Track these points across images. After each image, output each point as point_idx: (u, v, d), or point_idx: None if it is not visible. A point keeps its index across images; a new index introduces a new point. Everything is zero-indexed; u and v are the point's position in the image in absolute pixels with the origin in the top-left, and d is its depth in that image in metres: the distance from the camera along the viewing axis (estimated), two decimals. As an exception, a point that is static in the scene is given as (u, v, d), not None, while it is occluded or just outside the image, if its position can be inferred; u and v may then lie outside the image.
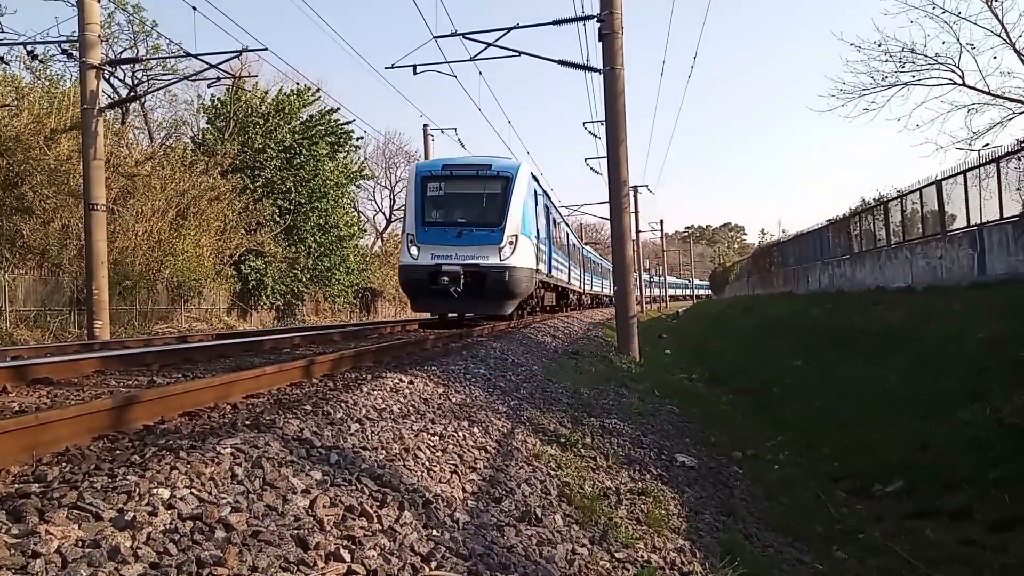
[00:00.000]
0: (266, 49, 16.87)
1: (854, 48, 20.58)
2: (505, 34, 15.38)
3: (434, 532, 2.94)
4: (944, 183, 17.81)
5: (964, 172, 16.79)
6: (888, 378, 11.30)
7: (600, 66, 14.90)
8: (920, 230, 19.45)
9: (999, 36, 17.62)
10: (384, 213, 54.42)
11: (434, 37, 15.32)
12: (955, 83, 18.79)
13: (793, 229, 43.91)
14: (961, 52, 25.39)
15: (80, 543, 1.98)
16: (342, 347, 9.09)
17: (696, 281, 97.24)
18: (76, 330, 16.86)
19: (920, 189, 19.31)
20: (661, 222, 73.51)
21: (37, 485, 2.40)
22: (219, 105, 28.35)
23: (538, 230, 16.83)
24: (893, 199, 21.46)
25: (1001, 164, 15.07)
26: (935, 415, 8.98)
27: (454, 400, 5.75)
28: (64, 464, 2.71)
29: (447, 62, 16.42)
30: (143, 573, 1.92)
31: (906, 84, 19.56)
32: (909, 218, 20.52)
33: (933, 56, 18.98)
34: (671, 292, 56.87)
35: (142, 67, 26.29)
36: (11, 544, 1.89)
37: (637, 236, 50.48)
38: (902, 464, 8.06)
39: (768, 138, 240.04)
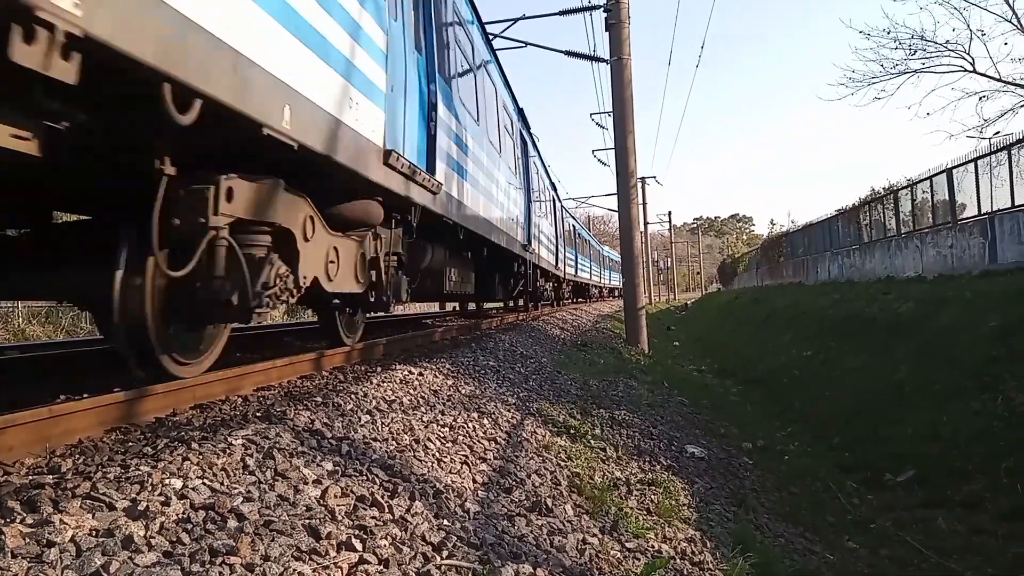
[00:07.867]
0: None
1: (863, 36, 20.47)
2: (511, 25, 15.40)
3: (445, 522, 2.94)
4: (955, 171, 17.70)
5: (975, 160, 16.67)
6: (898, 368, 11.26)
7: (607, 56, 14.86)
8: (931, 219, 19.33)
9: (1010, 22, 17.54)
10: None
11: (440, 28, 15.30)
12: (965, 70, 18.69)
13: (802, 220, 43.65)
14: (971, 39, 25.02)
15: (94, 532, 1.99)
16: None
17: (609, 253, 49.92)
18: (88, 326, 16.97)
19: (931, 178, 19.19)
20: (669, 213, 73.20)
21: (51, 476, 2.41)
22: None
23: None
24: (903, 188, 21.33)
25: (1013, 151, 14.96)
26: (946, 405, 8.95)
27: (464, 392, 5.75)
28: (77, 456, 2.72)
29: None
30: (156, 561, 1.93)
31: (916, 72, 19.48)
32: (919, 207, 20.40)
33: (943, 43, 18.90)
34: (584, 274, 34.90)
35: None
36: (26, 533, 1.90)
37: (645, 227, 50.26)
38: (913, 454, 8.05)
39: (777, 128, 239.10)
